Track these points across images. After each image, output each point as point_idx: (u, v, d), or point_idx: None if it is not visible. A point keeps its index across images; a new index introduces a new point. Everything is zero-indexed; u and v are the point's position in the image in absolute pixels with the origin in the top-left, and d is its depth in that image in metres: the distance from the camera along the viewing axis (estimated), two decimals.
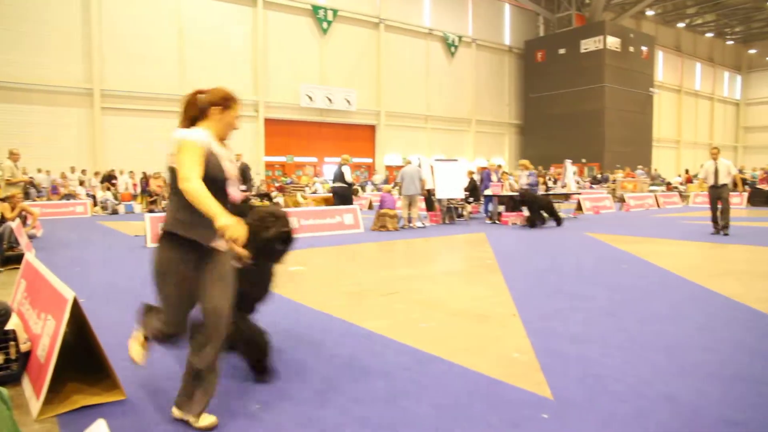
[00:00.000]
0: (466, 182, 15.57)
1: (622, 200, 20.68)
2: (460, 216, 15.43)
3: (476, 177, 17.03)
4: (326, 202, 17.65)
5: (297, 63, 26.89)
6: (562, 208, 17.49)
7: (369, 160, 30.40)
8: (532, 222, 13.75)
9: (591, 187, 25.73)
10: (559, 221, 14.01)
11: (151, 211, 18.63)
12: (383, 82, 29.49)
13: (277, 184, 24.40)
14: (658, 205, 21.53)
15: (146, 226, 10.47)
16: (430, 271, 7.81)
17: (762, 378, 3.51)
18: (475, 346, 4.24)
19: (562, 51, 34.43)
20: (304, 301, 5.77)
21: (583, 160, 32.02)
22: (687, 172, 30.21)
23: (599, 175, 29.16)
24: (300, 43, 26.98)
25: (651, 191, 23.66)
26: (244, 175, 11.75)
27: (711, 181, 11.81)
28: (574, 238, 11.55)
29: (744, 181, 24.28)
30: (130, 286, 6.54)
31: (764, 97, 46.40)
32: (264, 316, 5.11)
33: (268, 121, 26.34)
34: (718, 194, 11.77)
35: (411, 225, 13.53)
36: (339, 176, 13.62)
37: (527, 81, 36.03)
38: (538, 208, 13.86)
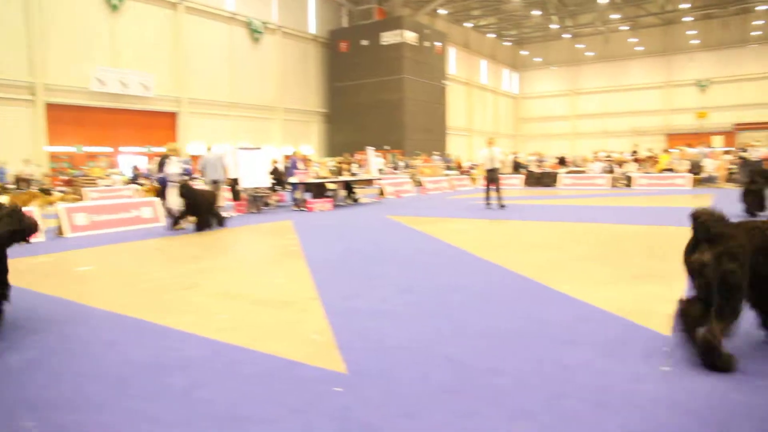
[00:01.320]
0: (270, 170, 15.51)
1: (421, 184, 22.26)
2: (267, 205, 15.33)
3: (280, 166, 17.03)
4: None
5: (84, 43, 24.06)
6: (366, 193, 18.32)
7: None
8: (200, 225, 10.96)
9: (393, 172, 27.27)
10: (221, 222, 11.39)
11: None
12: (184, 67, 27.85)
13: (64, 177, 21.73)
14: (452, 188, 23.66)
15: None
16: (234, 262, 7.68)
17: (525, 333, 4.10)
18: (275, 332, 4.30)
19: (364, 42, 35.75)
20: (92, 302, 5.29)
21: (386, 147, 33.83)
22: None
23: (401, 162, 31.04)
24: (87, 20, 24.17)
25: (446, 175, 25.87)
26: None
27: (487, 166, 13.73)
28: (376, 221, 12.19)
29: (520, 165, 27.83)
30: None
31: (535, 92, 53.49)
32: (43, 323, 4.59)
33: (52, 107, 23.23)
34: (492, 177, 13.83)
35: None
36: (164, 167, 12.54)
37: (332, 70, 36.82)
38: (200, 207, 10.88)
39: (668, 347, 3.70)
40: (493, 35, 48.58)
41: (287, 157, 21.35)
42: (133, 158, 25.64)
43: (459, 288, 5.60)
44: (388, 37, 35.10)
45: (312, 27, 36.04)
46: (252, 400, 3.05)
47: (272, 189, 15.57)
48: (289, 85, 34.15)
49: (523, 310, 4.75)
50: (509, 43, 51.62)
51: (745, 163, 14.67)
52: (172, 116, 28.16)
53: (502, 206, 13.84)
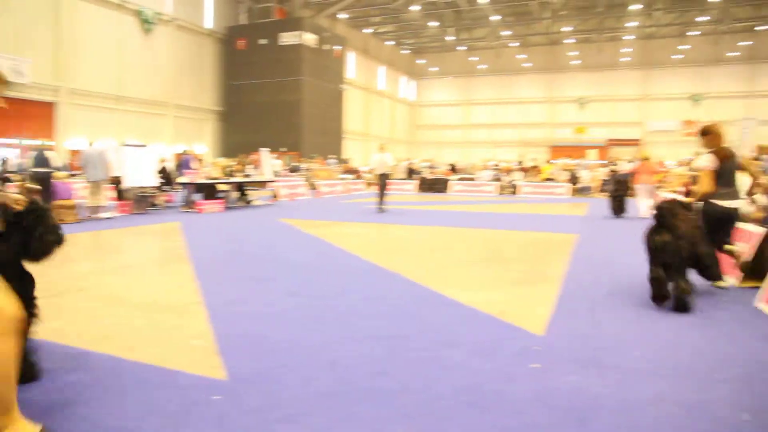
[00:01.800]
0: (158, 169, 14.75)
1: (316, 187, 22.17)
2: (154, 205, 14.55)
3: (169, 164, 16.25)
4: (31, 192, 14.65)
5: None
6: (260, 195, 17.95)
7: (52, 143, 26.26)
8: None
9: (289, 175, 26.92)
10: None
11: None
12: (66, 55, 25.72)
13: None
14: (347, 192, 23.79)
15: None
16: (116, 265, 7.21)
17: (409, 336, 4.20)
18: (153, 338, 4.08)
19: (263, 41, 35.04)
20: None
21: (283, 149, 33.38)
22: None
23: (297, 164, 30.75)
24: None
25: (341, 179, 25.96)
26: None
27: (378, 171, 14.63)
28: (268, 224, 11.98)
29: (413, 171, 28.53)
30: None
31: (431, 101, 55.18)
32: None
33: None
34: (382, 181, 14.56)
35: (96, 216, 12.20)
36: (42, 161, 11.44)
37: (229, 68, 35.72)
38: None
39: (539, 346, 3.95)
40: (392, 42, 49.51)
41: (178, 155, 20.42)
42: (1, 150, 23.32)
43: (347, 291, 5.64)
44: (287, 38, 34.69)
45: (209, 21, 34.78)
46: (127, 411, 2.87)
47: (160, 189, 14.81)
48: (182, 81, 32.67)
49: (409, 313, 4.86)
50: (407, 52, 52.84)
51: (614, 176, 16.05)
52: (49, 106, 25.93)
53: (382, 210, 14.43)
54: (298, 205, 17.37)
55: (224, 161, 21.79)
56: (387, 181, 14.78)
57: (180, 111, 32.54)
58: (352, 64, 44.03)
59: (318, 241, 9.31)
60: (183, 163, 16.47)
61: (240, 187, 16.67)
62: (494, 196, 23.84)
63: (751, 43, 41.56)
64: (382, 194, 14.72)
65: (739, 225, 6.66)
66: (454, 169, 31.48)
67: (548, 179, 26.34)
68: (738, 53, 42.10)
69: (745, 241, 6.22)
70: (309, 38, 34.86)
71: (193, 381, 3.27)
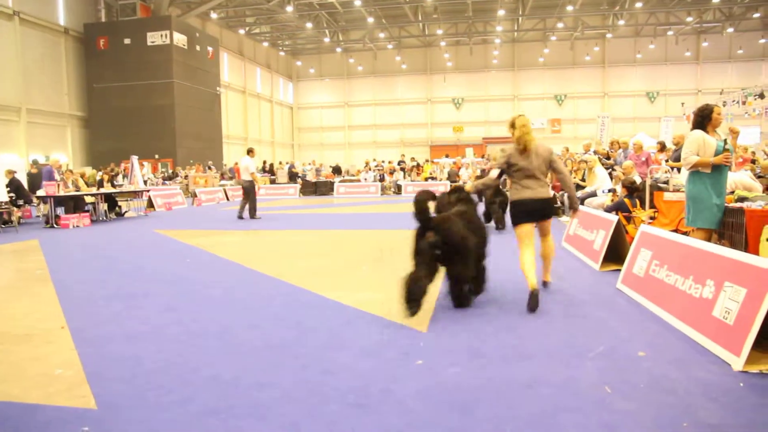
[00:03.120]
0: (6, 182, 13.38)
1: (194, 195, 21.29)
2: (6, 223, 13.18)
3: (21, 176, 14.80)
4: None
5: None
6: (132, 206, 16.94)
7: None
8: None
9: (164, 184, 25.65)
10: None
11: None
12: None
13: None
14: (228, 198, 23.09)
15: None
16: None
17: (293, 343, 4.16)
18: (9, 372, 3.70)
19: (127, 41, 32.93)
20: None
21: (156, 156, 31.63)
22: (264, 163, 33.41)
23: (171, 171, 29.33)
24: None
25: (221, 186, 25.15)
26: None
27: (243, 176, 14.42)
28: (141, 236, 11.33)
29: (296, 175, 28.32)
30: None
31: (311, 103, 54.98)
32: None
33: None
34: (245, 187, 14.30)
35: None
36: None
37: (90, 69, 33.12)
38: None
39: (423, 342, 4.10)
40: (268, 44, 48.72)
41: (34, 166, 18.67)
42: None
43: (228, 302, 5.48)
44: (155, 38, 32.90)
45: (61, 18, 32.05)
46: None
47: (13, 204, 13.42)
48: (34, 83, 29.81)
49: (293, 319, 4.82)
50: (284, 53, 52.26)
51: (483, 173, 16.97)
52: None
53: (253, 217, 14.24)
54: (176, 215, 16.59)
55: (90, 171, 20.27)
56: (250, 187, 14.23)
57: (34, 116, 29.70)
58: (226, 65, 42.72)
59: (197, 252, 8.97)
60: (44, 174, 15.06)
61: (110, 198, 15.57)
62: (378, 196, 24.27)
63: (597, 48, 45.96)
64: (245, 201, 14.32)
65: (597, 213, 7.35)
66: (337, 171, 31.67)
67: (430, 178, 27.30)
68: (590, 57, 46.34)
69: (602, 228, 6.86)
70: (179, 38, 33.35)
71: (57, 414, 3.02)
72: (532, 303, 4.86)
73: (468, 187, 5.64)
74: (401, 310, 4.64)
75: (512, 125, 5.19)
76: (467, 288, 5.09)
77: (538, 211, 5.16)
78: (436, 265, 4.78)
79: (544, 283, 5.73)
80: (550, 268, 5.78)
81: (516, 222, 5.20)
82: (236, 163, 28.86)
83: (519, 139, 5.12)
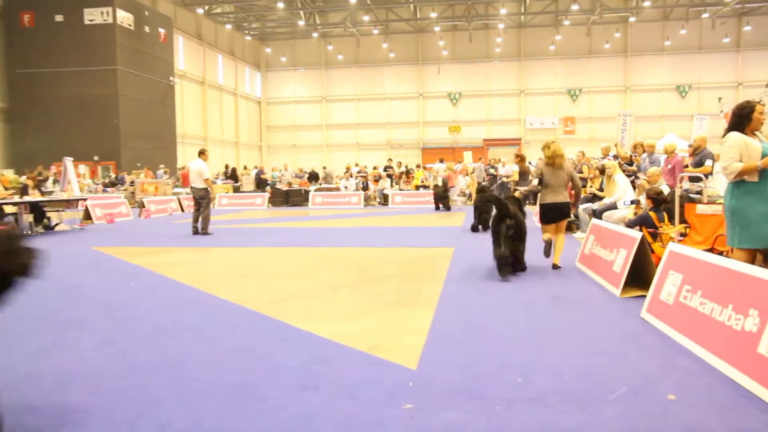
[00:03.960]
0: None
1: (142, 205, 21.15)
2: None
3: None
4: None
5: None
6: (65, 218, 16.77)
7: None
8: None
9: (105, 191, 25.45)
10: None
11: None
12: None
13: None
14: (182, 209, 22.95)
15: None
16: None
17: (257, 384, 4.12)
18: None
19: (59, 18, 32.66)
20: None
21: (96, 158, 31.39)
22: (226, 167, 33.27)
23: (115, 176, 29.12)
24: None
25: (175, 194, 25.00)
26: None
27: (193, 183, 14.29)
28: (76, 255, 11.21)
29: (265, 181, 28.30)
30: None
31: (283, 97, 55.06)
32: None
33: None
34: (198, 196, 14.19)
35: None
36: None
37: (12, 51, 32.71)
38: None
39: (413, 382, 4.07)
40: (232, 26, 48.76)
41: None
42: None
43: (181, 333, 5.42)
44: (93, 15, 32.68)
45: None
46: None
47: None
48: None
49: (259, 354, 4.77)
50: (251, 38, 52.35)
51: (494, 182, 17.09)
52: None
53: (206, 233, 14.12)
54: (119, 229, 16.47)
55: (12, 175, 20.04)
56: (206, 195, 14.24)
57: None
58: (182, 51, 42.68)
59: (143, 273, 8.91)
60: None
61: (36, 208, 15.39)
62: (361, 208, 24.29)
63: (618, 35, 46.42)
64: (198, 211, 14.28)
65: (617, 229, 7.41)
66: (313, 178, 31.69)
67: (422, 186, 27.41)
68: (609, 45, 46.81)
69: (624, 247, 6.90)
70: (124, 17, 33.18)
71: None
72: (546, 249, 8.34)
73: (517, 194, 8.91)
74: (499, 272, 7.61)
75: (547, 147, 8.37)
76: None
77: (559, 211, 8.40)
78: (511, 243, 7.67)
79: (555, 266, 8.45)
80: (560, 256, 8.55)
81: (544, 221, 8.52)
82: (184, 168, 28.72)
83: (553, 160, 8.29)
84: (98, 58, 32.56)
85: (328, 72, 52.99)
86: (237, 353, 4.82)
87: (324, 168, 36.90)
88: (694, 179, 9.94)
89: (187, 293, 7.33)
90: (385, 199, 26.02)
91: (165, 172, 30.13)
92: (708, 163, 10.76)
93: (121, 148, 32.53)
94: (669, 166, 11.09)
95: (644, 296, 5.95)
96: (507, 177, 22.15)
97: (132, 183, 27.07)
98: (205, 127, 45.23)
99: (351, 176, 28.20)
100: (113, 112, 32.60)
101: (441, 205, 21.99)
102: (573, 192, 9.03)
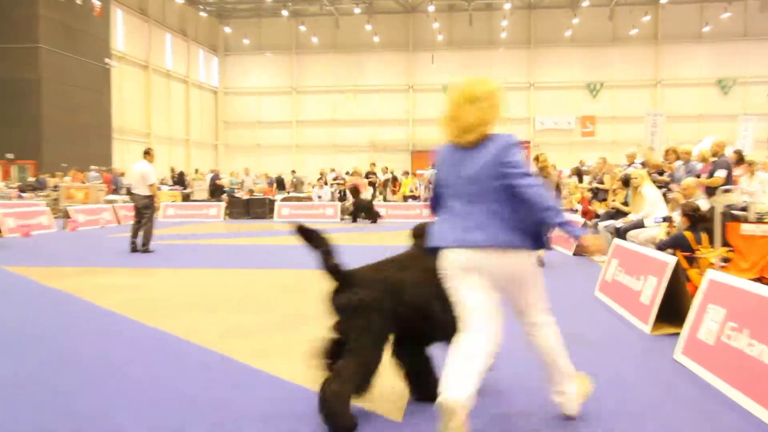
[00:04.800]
0: None
1: (67, 215, 20.99)
2: None
3: None
4: None
5: None
6: None
7: None
8: None
9: (21, 197, 25.18)
10: None
11: None
12: None
13: None
14: (119, 221, 22.77)
15: None
16: None
17: None
18: None
19: None
20: None
21: (10, 156, 31.09)
22: (172, 171, 33.07)
23: (35, 179, 28.86)
24: None
25: (109, 202, 24.82)
26: None
27: (135, 189, 14.30)
28: None
29: (221, 189, 28.24)
30: None
31: (243, 87, 54.88)
32: None
33: None
34: (140, 205, 14.16)
35: None
36: None
37: None
38: None
39: None
40: (183, 0, 48.71)
41: None
42: None
43: (110, 375, 5.35)
44: None
45: None
46: None
47: None
48: None
49: (210, 401, 4.71)
50: (207, 14, 52.30)
51: None
52: None
53: (147, 250, 14.13)
54: (37, 244, 16.39)
55: None
56: (149, 204, 14.20)
57: None
58: (122, 28, 42.52)
59: (66, 299, 8.83)
60: None
61: None
62: (338, 222, 24.22)
63: (647, 18, 46.82)
64: (139, 224, 14.27)
65: (645, 252, 7.40)
66: (281, 185, 31.66)
67: (411, 197, 27.45)
68: (637, 31, 47.10)
69: (654, 274, 6.89)
70: None
71: None
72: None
73: None
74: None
75: (536, 159, 10.01)
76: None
77: None
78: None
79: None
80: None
81: None
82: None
83: (543, 171, 9.78)
84: (17, 34, 32.33)
85: (300, 58, 53.10)
86: (182, 400, 4.74)
87: (293, 173, 37.02)
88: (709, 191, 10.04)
89: (120, 325, 7.26)
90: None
91: (98, 175, 29.84)
92: (720, 173, 10.80)
93: (42, 145, 32.26)
94: (705, 176, 11.17)
95: (678, 334, 5.93)
96: None
97: (55, 188, 26.84)
98: (148, 122, 45.06)
99: (326, 184, 28.20)
100: (34, 100, 32.35)
101: (361, 218, 23.68)
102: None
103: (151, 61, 45.53)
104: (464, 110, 4.11)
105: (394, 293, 4.31)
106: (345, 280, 4.38)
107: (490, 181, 3.85)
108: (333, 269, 4.36)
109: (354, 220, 23.38)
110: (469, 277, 3.88)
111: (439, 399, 3.56)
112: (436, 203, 4.33)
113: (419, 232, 4.87)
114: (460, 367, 3.69)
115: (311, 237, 4.51)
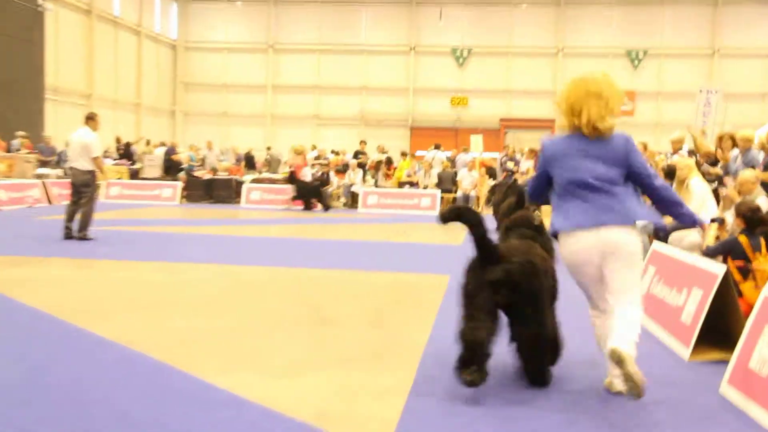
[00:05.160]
0: None
1: None
2: None
3: None
4: None
5: None
6: None
7: None
8: None
9: None
10: None
11: None
12: None
13: None
14: (50, 200, 22.74)
15: None
16: None
17: None
18: None
19: None
20: None
21: None
22: (117, 141, 32.94)
23: None
24: None
25: (39, 177, 24.78)
26: None
27: (73, 163, 14.33)
28: None
29: (177, 166, 28.20)
30: None
31: (207, 41, 54.21)
32: None
33: None
34: (77, 182, 14.24)
35: None
36: None
37: None
38: None
39: None
40: None
41: None
42: None
43: (34, 390, 5.36)
44: None
45: None
46: None
47: None
48: None
49: (156, 425, 4.72)
50: None
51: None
52: None
53: (85, 237, 14.10)
54: None
55: None
56: (87, 181, 14.18)
57: None
58: None
59: None
60: None
61: None
62: (319, 211, 24.20)
63: None
64: (76, 205, 14.28)
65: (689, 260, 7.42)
66: (249, 164, 31.57)
67: (408, 183, 27.39)
68: None
69: (698, 286, 6.89)
70: None
71: None
72: None
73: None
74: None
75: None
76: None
77: None
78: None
79: None
80: None
81: None
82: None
83: None
84: None
85: (278, 9, 52.86)
86: (121, 423, 4.75)
87: (268, 149, 36.85)
88: None
89: (48, 327, 7.28)
90: (353, 200, 25.99)
91: (23, 143, 29.66)
92: None
93: None
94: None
95: (726, 361, 5.93)
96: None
97: None
98: (90, 79, 44.78)
99: (306, 164, 28.16)
100: None
101: (316, 205, 24.25)
102: None
103: (94, 5, 45.24)
104: (592, 104, 5.22)
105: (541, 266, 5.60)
106: (504, 255, 5.41)
107: (618, 170, 5.18)
108: (487, 245, 5.34)
109: (307, 208, 23.43)
110: (605, 257, 5.17)
111: (612, 348, 4.76)
112: (540, 191, 5.71)
113: (515, 223, 6.32)
114: (623, 323, 5.00)
115: (463, 214, 5.45)
